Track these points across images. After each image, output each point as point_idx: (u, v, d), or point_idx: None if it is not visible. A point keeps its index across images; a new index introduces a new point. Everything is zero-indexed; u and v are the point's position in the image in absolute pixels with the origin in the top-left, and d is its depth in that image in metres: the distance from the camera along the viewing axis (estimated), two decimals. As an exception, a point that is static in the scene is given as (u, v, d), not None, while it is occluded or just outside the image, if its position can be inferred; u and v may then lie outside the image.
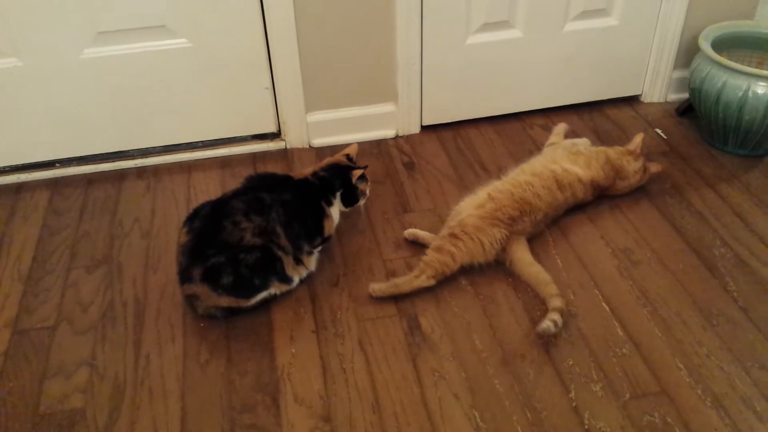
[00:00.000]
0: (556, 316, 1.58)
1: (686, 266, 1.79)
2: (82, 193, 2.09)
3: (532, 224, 1.81)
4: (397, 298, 1.70)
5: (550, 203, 1.85)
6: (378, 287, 1.70)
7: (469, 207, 1.82)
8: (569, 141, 2.11)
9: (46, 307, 1.71)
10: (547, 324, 1.56)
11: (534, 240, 1.84)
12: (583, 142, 2.10)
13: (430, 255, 1.73)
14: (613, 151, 2.00)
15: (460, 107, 2.33)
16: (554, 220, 1.90)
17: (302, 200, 1.71)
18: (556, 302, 1.62)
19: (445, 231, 1.78)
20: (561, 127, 2.18)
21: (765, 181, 2.07)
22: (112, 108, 2.10)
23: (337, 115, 2.24)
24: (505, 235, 1.75)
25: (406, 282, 1.70)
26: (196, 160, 2.22)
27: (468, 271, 1.77)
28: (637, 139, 2.04)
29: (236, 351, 1.59)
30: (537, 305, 1.67)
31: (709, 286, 1.73)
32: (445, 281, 1.74)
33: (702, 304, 1.68)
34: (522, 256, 1.75)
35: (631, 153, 2.01)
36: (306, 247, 1.70)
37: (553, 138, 2.14)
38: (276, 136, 2.27)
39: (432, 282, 1.71)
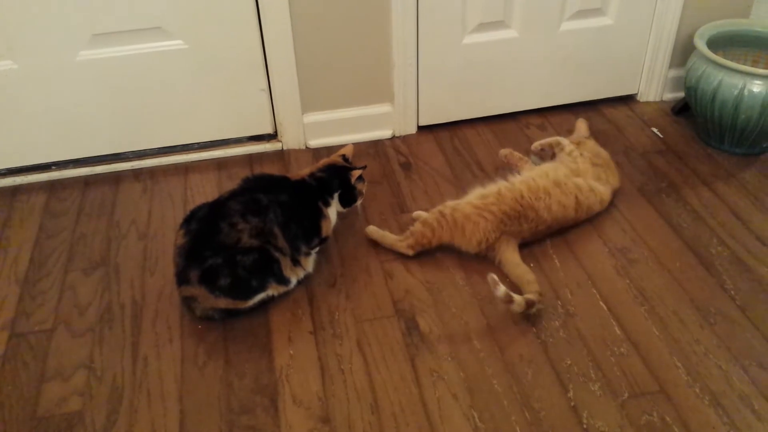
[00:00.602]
0: (518, 297, 1.58)
1: (683, 265, 1.79)
2: (78, 196, 2.08)
3: (531, 232, 1.80)
4: (394, 299, 1.70)
5: (558, 219, 1.83)
6: (372, 229, 1.87)
7: (475, 194, 1.83)
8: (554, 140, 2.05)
9: (43, 309, 1.70)
10: (506, 291, 1.57)
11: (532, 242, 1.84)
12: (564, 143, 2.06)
13: (416, 226, 1.82)
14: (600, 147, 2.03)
15: (457, 107, 2.33)
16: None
17: (299, 201, 1.71)
18: (530, 295, 1.62)
19: (439, 207, 1.82)
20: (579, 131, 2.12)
21: (761, 180, 2.08)
22: (108, 110, 2.10)
23: (333, 116, 2.24)
24: (492, 230, 1.74)
25: (391, 240, 1.84)
26: (192, 161, 2.21)
27: (465, 270, 1.77)
28: (583, 126, 2.09)
29: (234, 353, 1.59)
30: (535, 305, 1.67)
31: (707, 285, 1.73)
32: (443, 282, 1.74)
33: (699, 302, 1.68)
34: (510, 257, 1.75)
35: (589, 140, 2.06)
36: (303, 248, 1.70)
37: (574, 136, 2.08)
38: (272, 137, 2.27)
39: (410, 252, 1.81)
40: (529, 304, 1.60)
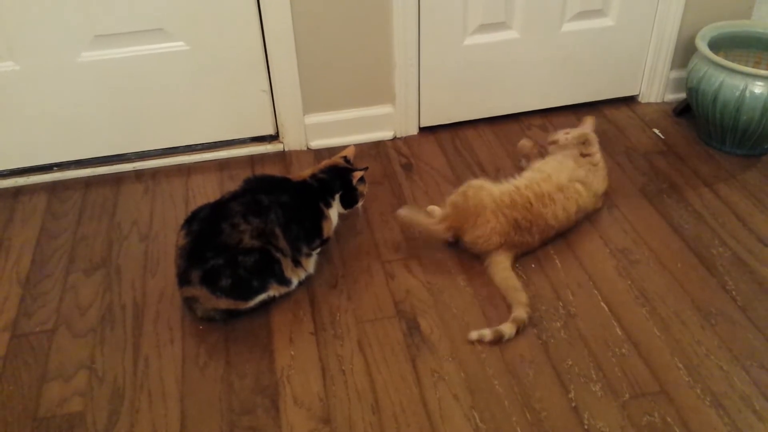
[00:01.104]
0: (507, 329, 1.58)
1: (684, 265, 1.79)
2: (80, 197, 2.08)
3: (541, 240, 1.80)
4: (395, 299, 1.70)
5: (563, 224, 1.83)
6: (405, 212, 1.83)
7: (499, 187, 1.81)
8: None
9: (44, 310, 1.71)
10: (480, 334, 1.57)
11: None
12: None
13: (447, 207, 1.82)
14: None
15: (458, 108, 2.33)
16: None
17: (301, 202, 1.71)
18: (519, 312, 1.61)
19: (462, 188, 1.82)
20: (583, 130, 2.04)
21: (762, 181, 2.08)
22: (110, 111, 2.10)
23: (334, 117, 2.24)
24: (499, 233, 1.73)
25: (426, 223, 1.83)
26: (194, 162, 2.22)
27: (466, 271, 1.77)
28: (590, 122, 2.06)
29: (235, 353, 1.59)
30: (535, 306, 1.67)
31: (708, 286, 1.73)
32: (444, 283, 1.75)
33: (700, 303, 1.68)
34: (500, 259, 1.74)
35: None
36: (305, 249, 1.70)
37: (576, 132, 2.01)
38: (274, 138, 2.27)
39: (448, 235, 1.80)
40: (518, 326, 1.59)
